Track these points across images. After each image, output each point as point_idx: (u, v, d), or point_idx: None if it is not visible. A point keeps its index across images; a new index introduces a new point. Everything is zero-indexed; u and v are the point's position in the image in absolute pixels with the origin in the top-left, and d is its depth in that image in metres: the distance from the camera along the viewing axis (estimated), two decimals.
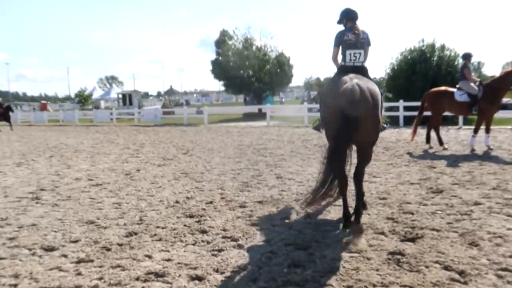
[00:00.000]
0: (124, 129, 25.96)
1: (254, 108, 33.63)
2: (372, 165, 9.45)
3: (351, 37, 5.53)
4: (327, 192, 4.99)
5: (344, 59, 5.61)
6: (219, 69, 35.36)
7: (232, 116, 33.78)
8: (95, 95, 72.84)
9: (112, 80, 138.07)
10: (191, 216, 6.05)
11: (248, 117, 31.82)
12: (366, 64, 5.64)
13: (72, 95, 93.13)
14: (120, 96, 50.20)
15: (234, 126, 24.39)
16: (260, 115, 30.92)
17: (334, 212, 5.97)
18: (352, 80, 4.96)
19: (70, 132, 24.47)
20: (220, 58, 35.53)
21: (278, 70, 36.50)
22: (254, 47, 35.96)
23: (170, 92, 78.69)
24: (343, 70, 5.49)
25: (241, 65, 34.90)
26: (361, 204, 5.26)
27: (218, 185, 8.08)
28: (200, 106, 37.61)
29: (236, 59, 35.11)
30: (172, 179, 8.83)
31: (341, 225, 5.36)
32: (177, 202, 6.89)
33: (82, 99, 67.84)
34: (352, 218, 5.24)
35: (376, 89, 5.06)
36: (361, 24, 5.68)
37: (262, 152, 12.43)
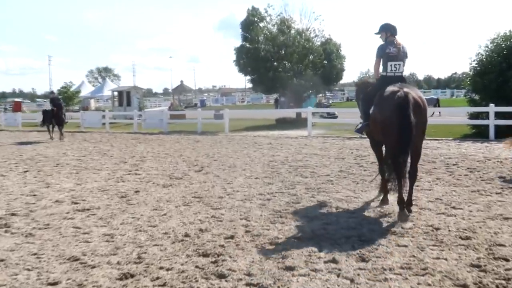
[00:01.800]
0: (120, 137, 26.42)
1: (291, 112, 33.63)
2: (451, 191, 9.30)
3: (392, 50, 8.08)
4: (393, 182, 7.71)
5: (385, 69, 8.18)
6: (246, 60, 35.50)
7: (262, 122, 33.86)
8: (84, 92, 74.61)
9: (105, 72, 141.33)
10: (205, 255, 6.08)
11: (282, 123, 31.86)
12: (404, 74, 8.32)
13: (55, 92, 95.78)
14: (116, 93, 51.15)
15: (264, 135, 24.46)
16: (299, 122, 30.90)
17: (396, 256, 5.88)
18: (402, 89, 7.35)
19: (52, 141, 25.06)
20: (248, 45, 35.67)
21: (325, 61, 36.44)
22: (292, 31, 36.01)
23: (181, 89, 79.83)
24: (386, 80, 8.08)
25: (275, 55, 35.03)
26: (412, 197, 7.67)
27: (241, 214, 8.10)
28: (220, 109, 37.89)
29: (268, 46, 35.28)
30: (181, 205, 8.91)
31: (397, 210, 7.52)
32: (187, 235, 6.94)
33: (67, 97, 69.60)
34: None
35: (421, 94, 7.66)
36: (400, 38, 8.26)
37: (301, 171, 12.41)
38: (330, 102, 59.87)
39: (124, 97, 47.31)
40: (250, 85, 45.34)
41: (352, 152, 16.06)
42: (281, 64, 35.11)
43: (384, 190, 8.50)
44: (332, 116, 31.67)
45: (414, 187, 7.84)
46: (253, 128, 29.83)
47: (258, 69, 34.96)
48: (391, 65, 8.13)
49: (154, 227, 7.43)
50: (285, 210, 8.27)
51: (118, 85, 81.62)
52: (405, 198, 7.52)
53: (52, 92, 30.08)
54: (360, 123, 9.05)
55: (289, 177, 11.57)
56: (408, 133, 7.12)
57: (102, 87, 75.19)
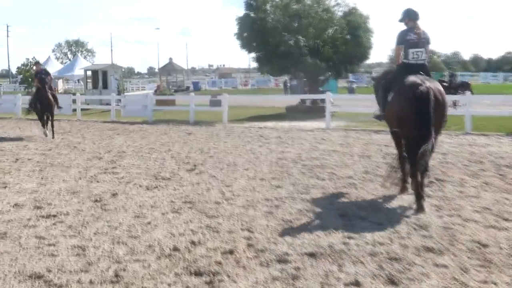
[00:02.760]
0: (94, 126, 26.44)
1: (304, 99, 33.54)
2: (503, 199, 9.28)
3: (413, 37, 9.45)
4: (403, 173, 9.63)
5: (407, 57, 9.55)
6: (250, 33, 35.34)
7: (269, 110, 33.81)
8: (50, 71, 74.54)
9: (76, 47, 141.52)
10: (198, 274, 6.10)
11: (294, 113, 31.77)
12: (427, 62, 9.76)
13: (13, 70, 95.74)
14: (89, 73, 51.10)
15: (272, 127, 24.44)
16: (315, 111, 30.83)
17: (434, 278, 5.87)
18: (424, 84, 8.82)
19: (9, 129, 25.11)
20: (253, 14, 35.50)
21: (348, 36, 36.25)
22: None
23: (169, 68, 79.77)
24: (407, 67, 9.47)
25: (286, 27, 34.91)
26: (424, 180, 9.08)
27: (243, 224, 8.12)
28: (217, 93, 37.81)
29: (278, 16, 35.18)
30: (169, 211, 8.93)
31: (414, 205, 8.85)
32: (176, 249, 6.96)
33: (29, 77, 69.57)
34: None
35: (442, 89, 9.23)
36: (421, 23, 9.61)
37: (317, 172, 12.43)
38: (354, 86, 59.64)
39: (100, 78, 47.15)
40: (255, 65, 45.21)
41: (380, 149, 16.03)
42: (294, 39, 34.96)
43: (402, 182, 9.86)
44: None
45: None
46: (258, 118, 29.79)
47: (265, 45, 34.76)
48: (412, 53, 9.51)
49: (135, 239, 7.44)
50: (296, 219, 8.28)
51: (92, 63, 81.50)
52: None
53: (37, 63, 25.49)
54: (379, 109, 10.65)
55: (302, 179, 11.59)
56: (427, 129, 8.65)
57: (73, 65, 74.92)
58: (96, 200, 9.83)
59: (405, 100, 8.95)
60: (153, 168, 13.37)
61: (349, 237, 7.33)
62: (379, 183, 10.87)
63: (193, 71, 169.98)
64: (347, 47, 35.77)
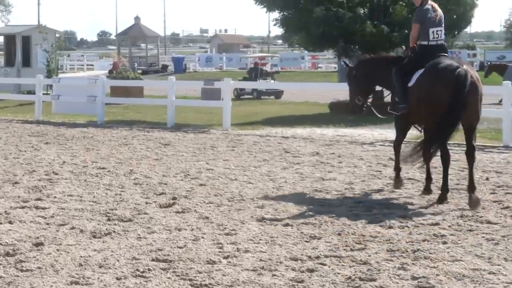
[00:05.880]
0: (8, 130, 26.58)
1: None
2: None
3: (433, 15, 13.52)
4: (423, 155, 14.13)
5: (427, 37, 13.74)
6: None
7: (300, 108, 33.87)
8: None
9: None
10: None
11: (343, 113, 31.84)
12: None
13: None
14: (1, 40, 51.41)
15: (306, 136, 24.53)
16: (377, 110, 30.85)
17: None
18: (462, 66, 12.78)
19: None
20: None
21: None
22: None
23: (135, 35, 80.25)
24: (428, 49, 13.71)
25: None
26: (474, 180, 13.20)
27: None
28: (214, 78, 37.95)
29: None
30: (129, 275, 8.88)
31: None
32: None
33: None
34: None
35: (477, 74, 13.54)
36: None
37: (379, 213, 12.49)
38: None
39: (18, 48, 47.49)
40: (278, 32, 45.34)
41: (487, 179, 16.01)
42: None
43: (396, 171, 14.86)
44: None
45: None
46: (283, 120, 29.93)
47: (297, 1, 34.96)
48: (433, 32, 13.69)
49: None
50: None
51: (6, 23, 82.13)
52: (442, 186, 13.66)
53: None
54: (395, 99, 14.58)
55: (354, 225, 11.59)
56: (458, 114, 12.79)
57: None
58: (7, 254, 9.80)
59: (439, 82, 12.88)
60: (104, 201, 13.42)
61: None
62: (485, 236, 10.83)
63: (175, 39, 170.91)
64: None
